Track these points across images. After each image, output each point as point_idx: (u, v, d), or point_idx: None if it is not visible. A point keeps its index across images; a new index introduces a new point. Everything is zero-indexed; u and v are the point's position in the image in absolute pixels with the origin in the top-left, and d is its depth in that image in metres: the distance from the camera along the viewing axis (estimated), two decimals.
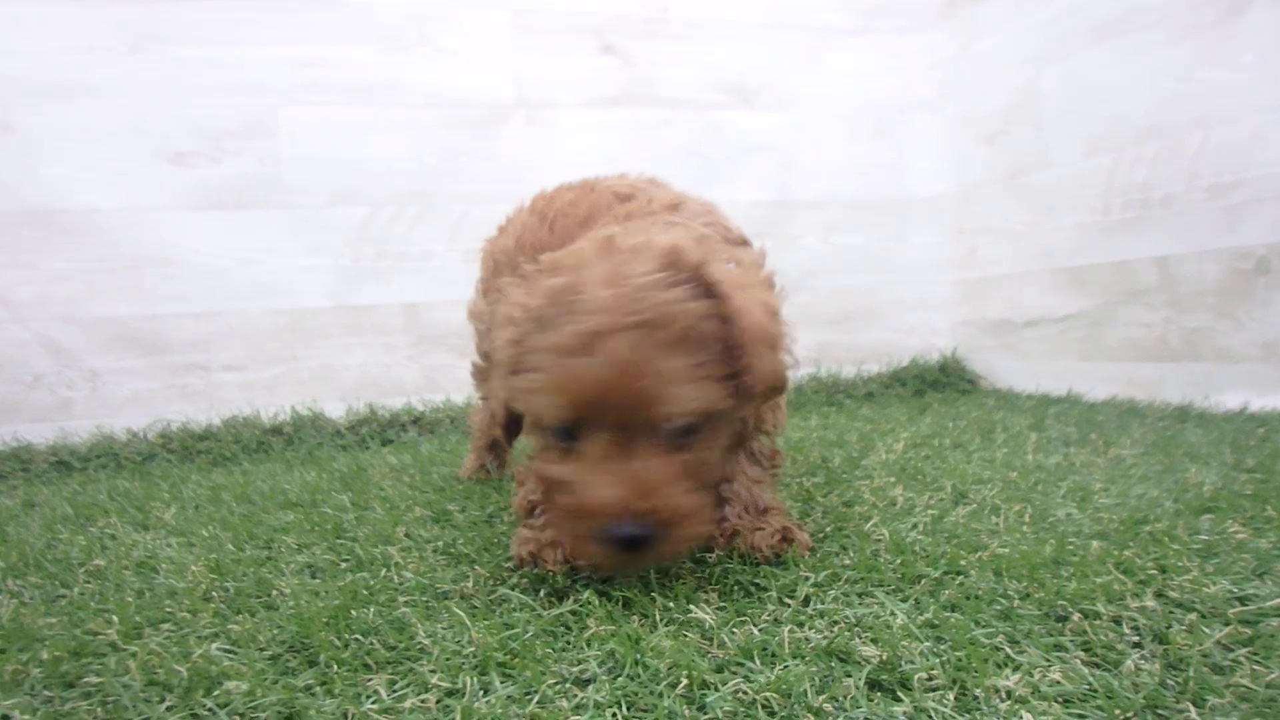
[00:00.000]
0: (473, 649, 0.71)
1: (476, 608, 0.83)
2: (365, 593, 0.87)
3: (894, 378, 2.46)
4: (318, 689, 0.66)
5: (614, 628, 0.74)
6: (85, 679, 0.69)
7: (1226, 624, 0.69)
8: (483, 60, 2.23)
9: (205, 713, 0.63)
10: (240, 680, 0.66)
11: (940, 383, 2.44)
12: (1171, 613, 0.73)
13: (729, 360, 0.80)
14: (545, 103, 2.26)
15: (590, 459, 0.78)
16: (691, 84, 2.39)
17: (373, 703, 0.63)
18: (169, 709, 0.63)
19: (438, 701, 0.63)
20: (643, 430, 0.77)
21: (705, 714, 0.60)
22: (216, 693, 0.65)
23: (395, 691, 0.65)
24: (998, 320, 2.42)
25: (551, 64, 2.27)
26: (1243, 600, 0.75)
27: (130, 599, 0.87)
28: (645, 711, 0.61)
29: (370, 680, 0.67)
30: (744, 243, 1.12)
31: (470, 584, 0.89)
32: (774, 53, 2.47)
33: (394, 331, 2.22)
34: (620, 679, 0.65)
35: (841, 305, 2.54)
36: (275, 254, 2.09)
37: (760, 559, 0.91)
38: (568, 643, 0.73)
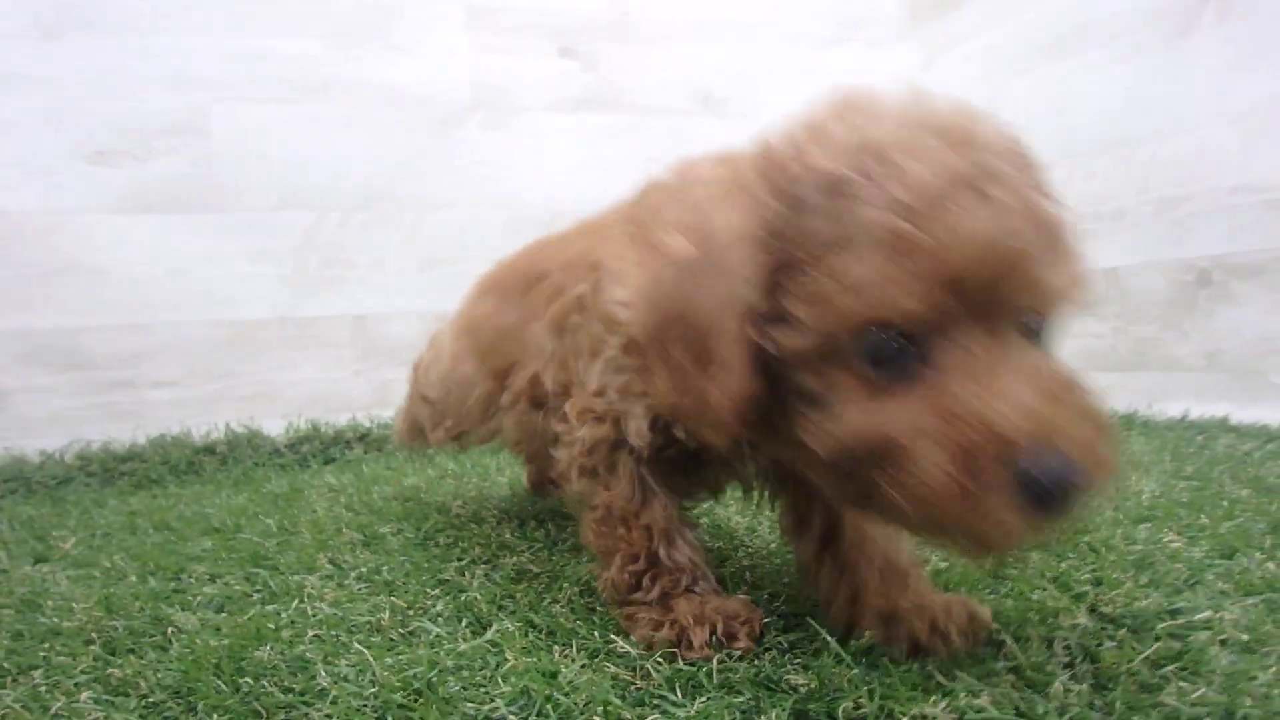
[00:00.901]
0: (374, 689, 0.66)
1: (392, 640, 0.77)
2: (271, 628, 0.81)
3: None
4: None
5: (532, 660, 0.70)
6: None
7: (1157, 639, 0.68)
8: (437, 59, 2.17)
9: None
10: None
11: None
12: (1104, 629, 0.71)
13: None
14: (504, 105, 2.20)
15: (971, 365, 0.50)
16: (656, 90, 2.35)
17: None
18: None
19: None
20: (1017, 329, 0.53)
21: None
22: None
23: None
24: None
25: (510, 65, 2.22)
26: (1173, 614, 0.74)
27: (4, 641, 0.81)
28: None
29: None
30: None
31: (386, 615, 0.84)
32: (743, 61, 2.44)
33: (341, 345, 2.14)
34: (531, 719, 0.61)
35: None
36: (212, 262, 2.01)
37: (945, 653, 0.65)
38: (482, 678, 0.69)
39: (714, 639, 0.68)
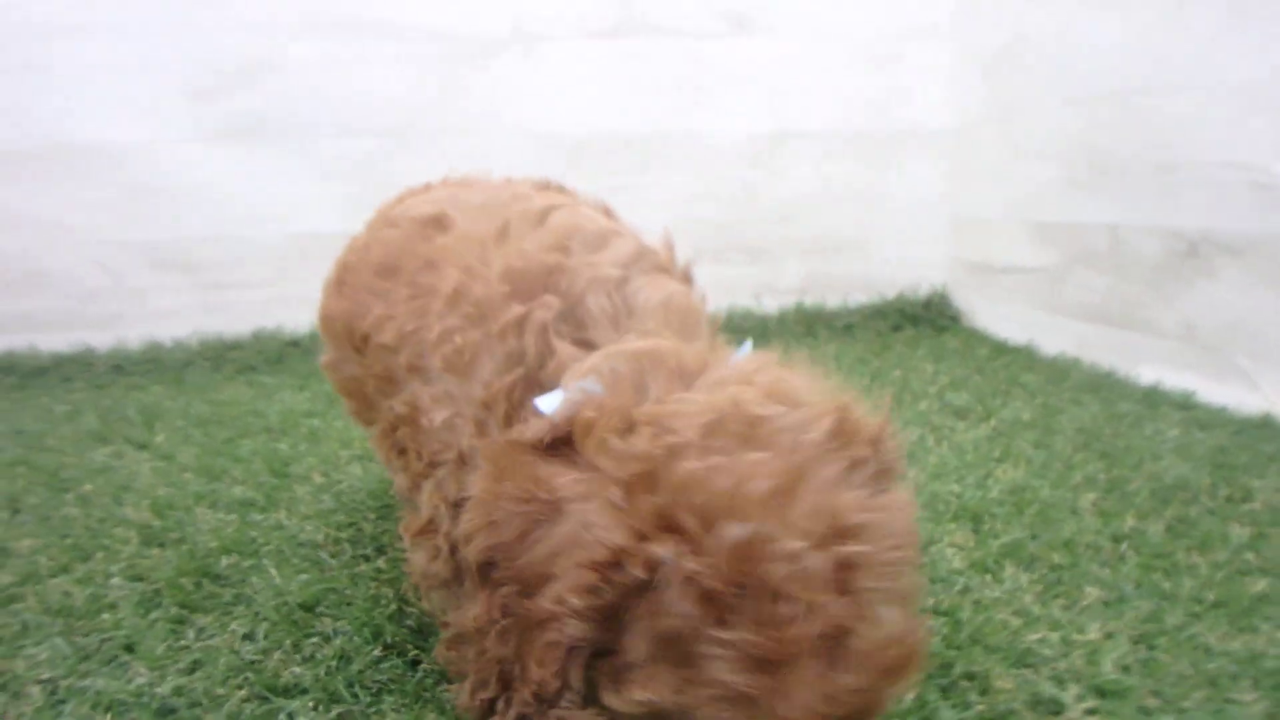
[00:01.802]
0: (277, 602, 0.96)
1: (295, 563, 1.08)
2: (251, 536, 1.13)
3: (876, 311, 2.55)
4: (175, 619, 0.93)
5: None
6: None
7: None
8: None
9: (84, 639, 0.90)
10: (123, 610, 0.94)
11: (920, 318, 2.51)
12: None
13: None
14: (541, 36, 2.35)
15: None
16: (689, 12, 2.41)
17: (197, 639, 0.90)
18: (59, 632, 0.91)
19: None
20: None
21: None
22: (101, 618, 0.93)
23: (204, 634, 0.91)
24: (978, 262, 2.46)
25: None
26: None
27: (82, 529, 1.17)
28: None
29: (193, 622, 0.93)
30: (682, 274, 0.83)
31: (324, 536, 1.14)
32: None
33: None
34: None
35: (832, 236, 2.60)
36: (288, 182, 2.32)
37: None
38: None
39: None
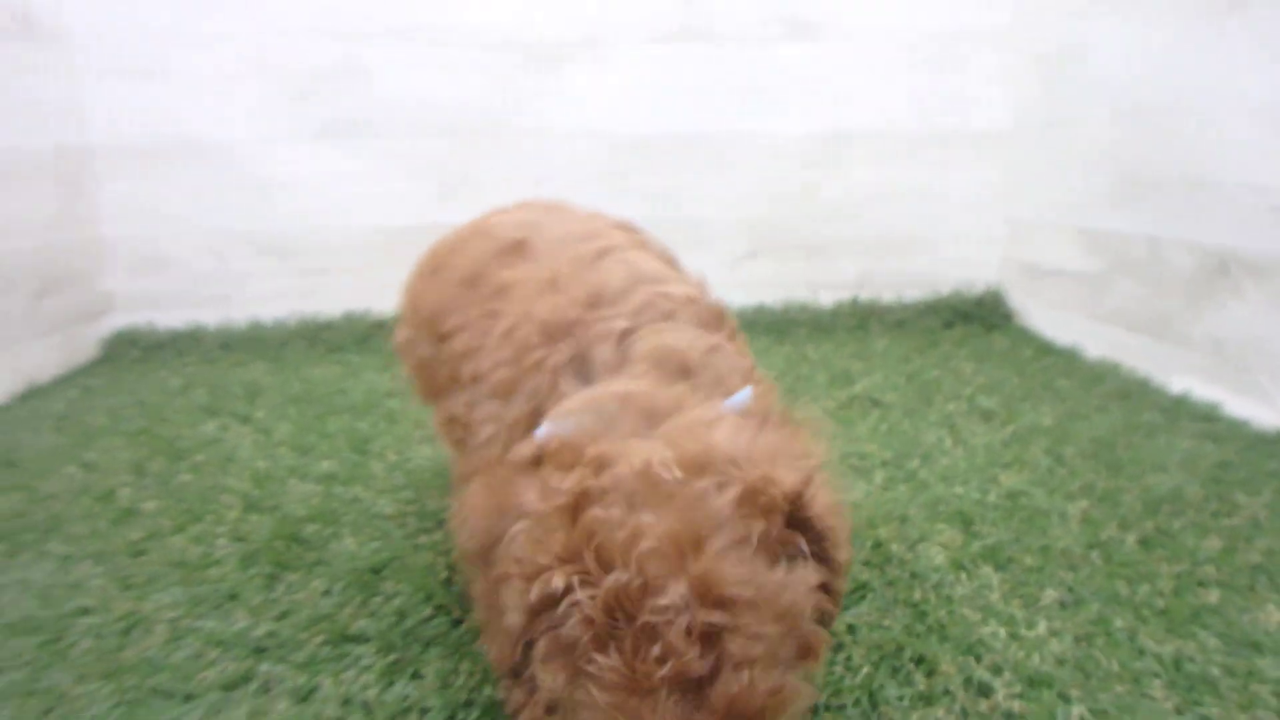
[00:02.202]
0: (352, 561, 1.15)
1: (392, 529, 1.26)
2: (332, 508, 1.33)
3: (929, 307, 2.61)
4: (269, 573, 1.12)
5: None
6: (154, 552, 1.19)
7: None
8: (547, 5, 2.45)
9: (197, 588, 1.11)
10: (228, 565, 1.14)
11: (972, 316, 2.57)
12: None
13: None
14: (608, 41, 2.48)
15: None
16: (749, 18, 2.50)
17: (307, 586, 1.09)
18: (178, 581, 1.12)
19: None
20: None
21: None
22: (210, 571, 1.13)
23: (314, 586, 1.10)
24: (1030, 263, 2.50)
25: (616, 4, 2.46)
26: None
27: (193, 495, 1.38)
28: None
29: (283, 578, 1.12)
30: (714, 318, 0.90)
31: (413, 506, 1.33)
32: None
33: None
34: None
35: (888, 235, 2.66)
36: (377, 179, 2.52)
37: None
38: None
39: None
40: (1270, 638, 0.93)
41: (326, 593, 1.09)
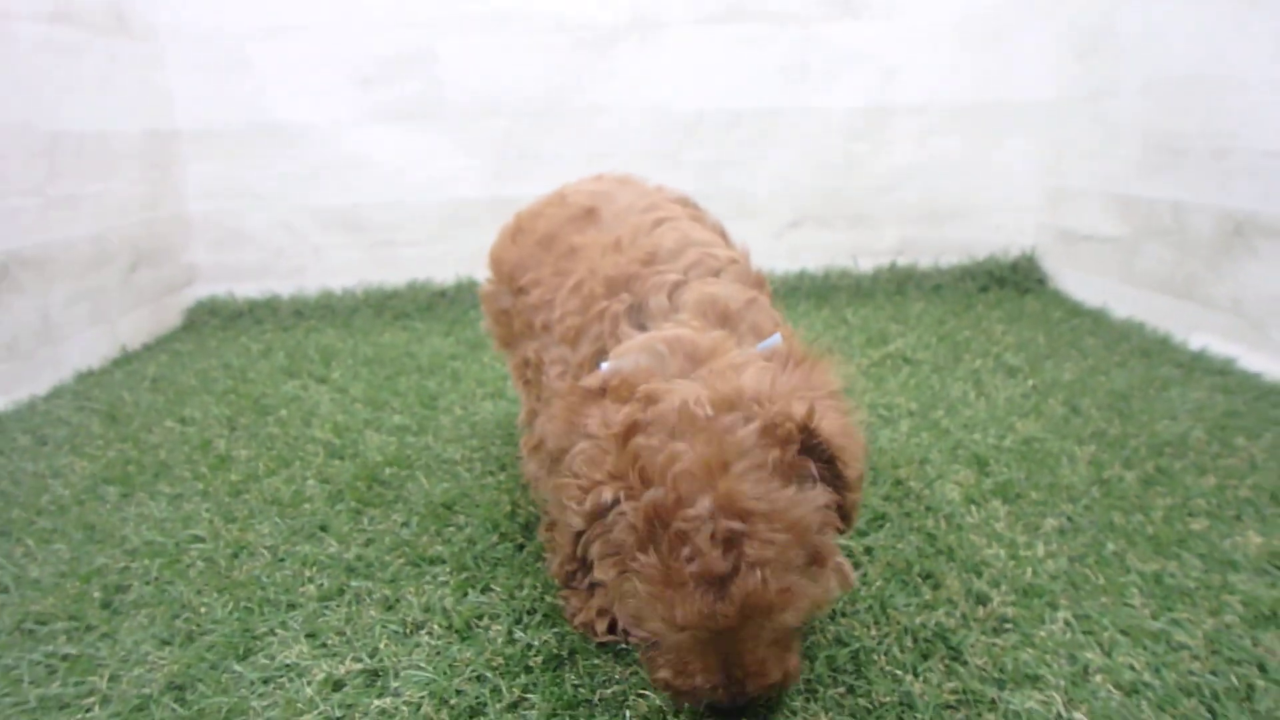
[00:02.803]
0: (424, 501, 1.30)
1: (438, 476, 1.41)
2: (405, 454, 1.48)
3: (965, 272, 2.68)
4: (352, 512, 1.28)
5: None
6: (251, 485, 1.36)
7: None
8: None
9: (292, 521, 1.27)
10: (317, 502, 1.30)
11: (1006, 280, 2.63)
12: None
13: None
14: (658, 23, 2.58)
15: None
16: None
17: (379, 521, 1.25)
18: (275, 515, 1.28)
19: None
20: None
21: None
22: (303, 507, 1.30)
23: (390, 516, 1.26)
24: (1065, 230, 2.55)
25: None
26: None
27: (282, 443, 1.55)
28: None
29: (366, 513, 1.28)
30: (756, 280, 1.02)
31: (460, 453, 1.48)
32: None
33: None
34: None
35: (929, 204, 2.74)
36: (439, 157, 2.67)
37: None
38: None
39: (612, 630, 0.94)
40: (1247, 558, 1.02)
41: (405, 524, 1.24)
